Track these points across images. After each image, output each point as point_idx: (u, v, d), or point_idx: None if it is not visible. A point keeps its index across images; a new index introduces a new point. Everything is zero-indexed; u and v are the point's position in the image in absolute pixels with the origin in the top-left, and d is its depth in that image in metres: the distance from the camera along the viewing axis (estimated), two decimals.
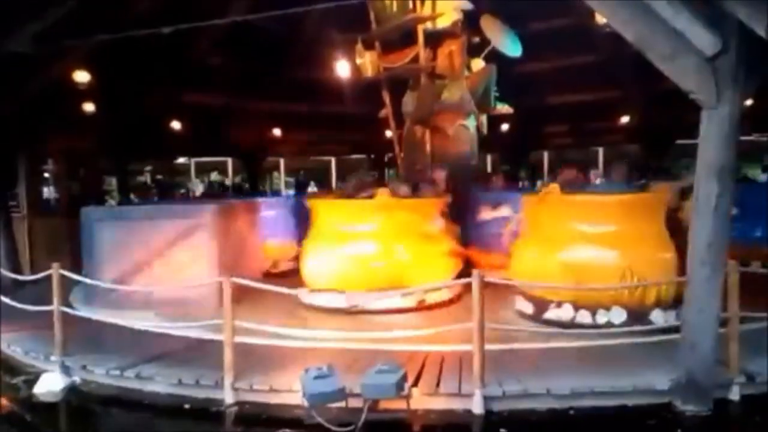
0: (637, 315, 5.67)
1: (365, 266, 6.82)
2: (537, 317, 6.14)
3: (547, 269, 5.98)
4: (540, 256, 6.15)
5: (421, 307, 6.89)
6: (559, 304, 5.96)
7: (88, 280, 6.42)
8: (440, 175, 8.65)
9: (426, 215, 7.38)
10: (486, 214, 8.26)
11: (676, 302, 5.61)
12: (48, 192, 14.23)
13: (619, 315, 5.74)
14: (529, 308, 6.29)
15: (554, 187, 6.33)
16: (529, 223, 6.73)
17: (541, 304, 6.11)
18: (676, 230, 5.77)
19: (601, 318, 5.79)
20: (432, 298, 7.00)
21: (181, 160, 20.49)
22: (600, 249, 5.82)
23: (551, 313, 6.02)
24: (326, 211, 7.40)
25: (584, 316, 5.85)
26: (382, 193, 7.05)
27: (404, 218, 7.07)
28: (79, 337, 5.52)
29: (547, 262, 6.02)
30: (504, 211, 8.05)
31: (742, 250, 6.49)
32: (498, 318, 5.91)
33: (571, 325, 5.80)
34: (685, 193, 5.95)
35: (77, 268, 7.10)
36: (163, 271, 7.10)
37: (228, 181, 20.23)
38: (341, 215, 7.27)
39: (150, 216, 7.82)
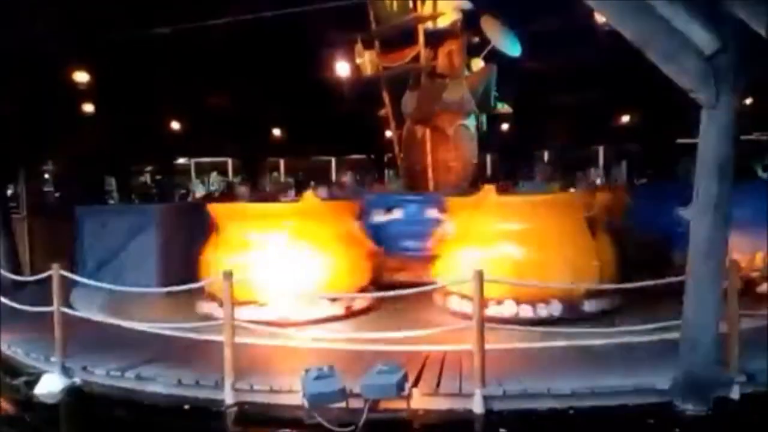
0: (572, 306, 6.01)
1: (288, 273, 6.22)
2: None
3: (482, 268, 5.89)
4: (473, 256, 6.05)
5: (349, 314, 6.59)
6: (499, 301, 5.99)
7: (86, 280, 6.44)
8: (346, 178, 8.68)
9: (348, 218, 7.20)
10: (379, 216, 8.19)
11: (600, 292, 6.11)
12: (48, 193, 14.24)
13: (557, 308, 5.98)
14: (467, 307, 6.00)
15: (490, 188, 6.45)
16: (460, 224, 6.69)
17: None
18: (591, 226, 6.27)
19: (542, 311, 5.97)
20: (357, 304, 6.70)
21: (181, 160, 20.48)
22: (530, 246, 6.04)
23: (492, 310, 5.91)
24: (235, 217, 6.90)
25: (527, 311, 5.98)
26: (308, 197, 6.92)
27: (328, 221, 6.82)
28: (80, 338, 5.51)
29: (481, 261, 5.75)
30: (396, 213, 8.14)
31: None
32: (435, 320, 6.06)
33: (515, 320, 5.86)
34: (594, 191, 6.70)
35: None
36: (122, 262, 8.27)
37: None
38: (262, 220, 6.70)
39: (119, 214, 9.21)
